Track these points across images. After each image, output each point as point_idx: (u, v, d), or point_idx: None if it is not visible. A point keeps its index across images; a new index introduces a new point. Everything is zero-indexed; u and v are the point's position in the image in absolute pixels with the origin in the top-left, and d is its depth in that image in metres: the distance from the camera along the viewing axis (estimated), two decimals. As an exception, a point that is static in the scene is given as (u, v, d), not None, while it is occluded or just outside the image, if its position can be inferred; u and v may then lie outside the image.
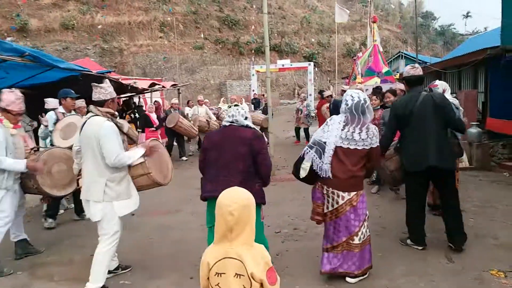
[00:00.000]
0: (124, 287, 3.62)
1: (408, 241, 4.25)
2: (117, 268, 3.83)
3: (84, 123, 3.53)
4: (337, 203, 3.39)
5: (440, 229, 4.45)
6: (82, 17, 30.92)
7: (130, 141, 5.51)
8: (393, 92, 6.37)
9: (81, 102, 7.13)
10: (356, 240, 3.43)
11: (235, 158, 3.27)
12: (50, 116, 5.52)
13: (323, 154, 3.35)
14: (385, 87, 9.05)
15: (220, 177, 3.26)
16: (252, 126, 3.46)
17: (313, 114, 13.76)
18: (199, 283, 1.92)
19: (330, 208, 3.43)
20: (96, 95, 3.58)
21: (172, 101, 11.16)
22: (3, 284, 3.74)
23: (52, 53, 24.48)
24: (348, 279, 3.47)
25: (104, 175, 3.41)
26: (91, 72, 7.86)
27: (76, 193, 5.00)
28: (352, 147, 3.34)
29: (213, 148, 3.39)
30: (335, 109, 9.53)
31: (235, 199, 1.81)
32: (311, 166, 3.40)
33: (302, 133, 12.57)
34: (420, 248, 4.13)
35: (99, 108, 3.53)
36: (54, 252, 4.49)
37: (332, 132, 3.37)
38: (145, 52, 30.83)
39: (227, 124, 3.44)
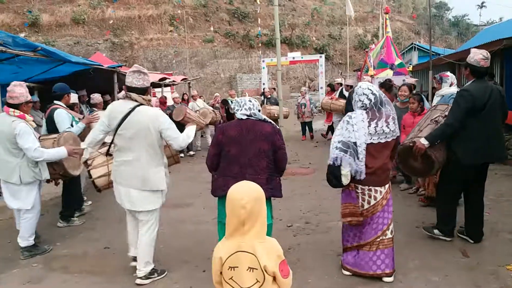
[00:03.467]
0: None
1: (436, 231, 4.15)
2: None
3: (129, 112, 3.35)
4: (375, 199, 3.34)
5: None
6: (93, 11, 31.06)
7: None
8: (409, 86, 6.20)
9: (98, 97, 7.19)
10: (389, 234, 3.40)
11: (259, 155, 3.21)
12: (67, 114, 5.10)
13: (357, 156, 3.22)
14: (398, 80, 8.92)
15: (246, 175, 3.14)
16: (268, 119, 3.38)
17: (316, 108, 13.70)
18: (211, 277, 1.92)
19: (366, 206, 3.35)
20: (140, 81, 3.42)
21: (172, 96, 11.11)
22: (19, 276, 3.80)
23: (63, 48, 24.72)
24: (385, 279, 3.38)
25: (162, 164, 3.51)
26: (102, 66, 7.92)
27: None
28: (383, 140, 3.29)
29: (232, 143, 3.23)
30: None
31: (247, 192, 1.81)
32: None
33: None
34: (449, 239, 4.11)
35: (143, 96, 3.44)
36: (68, 245, 4.55)
37: (360, 131, 3.23)
38: (155, 46, 30.87)
39: (244, 117, 3.26)
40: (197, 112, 11.02)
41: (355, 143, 3.22)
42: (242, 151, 3.20)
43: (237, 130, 3.24)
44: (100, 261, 4.08)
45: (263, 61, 24.29)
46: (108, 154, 3.83)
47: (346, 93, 10.72)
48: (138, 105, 3.39)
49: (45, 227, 4.91)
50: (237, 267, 1.81)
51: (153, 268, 3.60)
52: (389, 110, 3.34)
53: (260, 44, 33.25)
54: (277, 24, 7.75)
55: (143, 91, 3.45)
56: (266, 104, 12.19)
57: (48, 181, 4.68)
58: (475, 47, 10.00)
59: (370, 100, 3.30)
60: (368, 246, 3.40)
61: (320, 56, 24.81)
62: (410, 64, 17.66)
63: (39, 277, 3.78)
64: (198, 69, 30.87)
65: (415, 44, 23.30)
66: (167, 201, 6.11)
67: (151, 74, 13.52)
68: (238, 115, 3.29)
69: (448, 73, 5.26)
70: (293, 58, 24.43)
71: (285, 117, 12.05)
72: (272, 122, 3.45)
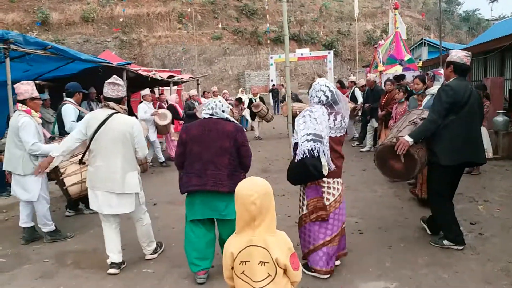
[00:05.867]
0: (146, 275, 3.68)
1: (445, 242, 3.89)
2: (122, 263, 3.82)
3: (106, 119, 3.56)
4: (338, 190, 3.41)
5: (460, 221, 4.37)
6: (102, 9, 31.30)
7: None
8: (421, 78, 6.06)
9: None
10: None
11: (221, 152, 3.30)
12: (74, 109, 5.41)
13: (326, 148, 3.23)
14: (407, 75, 8.84)
15: (208, 171, 3.28)
16: (231, 118, 3.47)
17: None
18: (220, 272, 1.94)
19: (332, 199, 3.36)
20: (115, 92, 3.68)
21: (191, 93, 11.00)
22: (31, 271, 3.86)
23: (73, 46, 24.94)
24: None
25: (135, 168, 3.71)
26: (111, 63, 7.97)
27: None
28: (339, 134, 3.41)
29: (195, 142, 3.33)
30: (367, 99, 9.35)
31: (255, 188, 1.83)
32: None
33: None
34: (461, 248, 3.82)
35: (120, 105, 3.70)
36: (79, 241, 4.61)
37: (323, 124, 3.25)
38: (163, 43, 31.03)
39: (207, 116, 3.41)
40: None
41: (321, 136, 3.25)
42: (204, 149, 3.31)
43: (199, 129, 3.37)
44: (110, 256, 4.13)
45: (271, 57, 24.25)
46: (81, 162, 4.04)
47: (359, 94, 10.53)
48: (115, 113, 3.62)
49: (57, 223, 4.96)
50: (249, 261, 1.83)
51: (156, 244, 4.05)
52: (344, 106, 3.44)
53: (268, 41, 33.21)
54: (285, 21, 7.70)
55: (118, 100, 3.72)
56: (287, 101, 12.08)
57: (50, 179, 4.80)
58: (486, 42, 9.92)
59: (327, 96, 3.37)
60: (335, 239, 3.41)
61: (329, 52, 24.73)
62: (420, 59, 17.50)
63: (50, 272, 3.83)
64: (206, 66, 30.95)
65: (425, 40, 23.08)
66: (176, 198, 6.16)
67: (159, 72, 13.58)
68: (202, 114, 3.46)
69: (442, 70, 4.97)
70: (302, 54, 24.37)
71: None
72: (235, 121, 3.50)
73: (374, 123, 9.09)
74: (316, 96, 3.41)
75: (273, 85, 21.90)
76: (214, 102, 3.46)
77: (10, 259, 4.17)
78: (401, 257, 3.76)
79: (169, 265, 3.86)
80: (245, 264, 1.83)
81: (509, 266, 3.46)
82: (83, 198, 5.55)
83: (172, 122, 9.62)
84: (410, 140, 3.66)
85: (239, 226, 1.85)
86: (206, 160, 3.30)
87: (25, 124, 4.23)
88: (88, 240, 4.64)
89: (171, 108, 9.62)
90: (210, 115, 3.41)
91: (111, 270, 3.69)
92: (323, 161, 3.16)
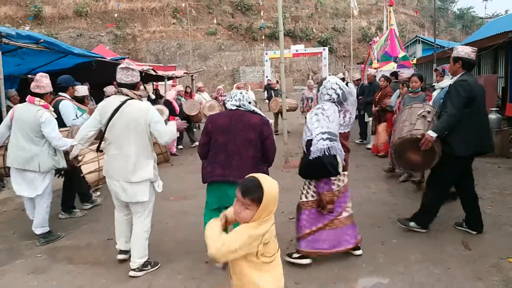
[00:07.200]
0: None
1: (412, 224, 4.23)
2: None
3: (119, 106, 3.41)
4: (343, 182, 3.55)
5: (456, 217, 4.40)
6: (96, 3, 30.95)
7: None
8: (419, 76, 6.13)
9: (111, 89, 7.18)
10: (350, 210, 3.65)
11: (246, 143, 3.32)
12: (73, 106, 5.15)
13: (339, 145, 3.37)
14: (407, 72, 8.85)
15: (233, 162, 3.31)
16: (258, 111, 3.49)
17: None
18: (212, 267, 1.93)
19: (336, 189, 3.51)
20: (129, 78, 3.50)
21: (177, 88, 10.98)
22: (23, 266, 3.84)
23: (66, 40, 24.70)
24: (355, 252, 3.70)
25: (151, 157, 3.56)
26: (105, 58, 7.93)
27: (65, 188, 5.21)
28: (347, 130, 3.57)
29: (220, 132, 3.34)
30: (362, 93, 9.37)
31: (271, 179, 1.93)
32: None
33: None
34: (424, 231, 4.19)
35: (134, 91, 3.53)
36: (72, 237, 4.58)
37: (335, 122, 3.38)
38: (158, 38, 30.78)
39: (233, 108, 3.40)
40: (202, 104, 11.00)
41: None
42: (229, 140, 3.31)
43: (226, 120, 3.37)
44: (104, 252, 4.11)
45: (266, 53, 24.18)
46: (98, 150, 3.90)
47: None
48: (129, 99, 3.47)
49: (49, 219, 4.93)
50: (269, 241, 1.91)
51: (146, 260, 3.63)
52: (351, 103, 3.58)
53: (263, 37, 33.10)
54: (280, 17, 7.68)
55: (132, 86, 3.54)
56: (275, 96, 12.15)
57: (56, 174, 4.73)
58: (480, 40, 9.96)
59: (338, 95, 3.50)
60: (331, 224, 3.55)
61: (324, 49, 24.73)
62: (414, 57, 17.56)
63: (43, 267, 3.81)
64: (201, 61, 30.80)
65: (419, 37, 23.13)
66: (171, 193, 6.14)
67: (153, 67, 13.51)
68: (228, 105, 3.44)
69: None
70: (297, 50, 24.35)
71: (293, 109, 11.99)
72: (261, 113, 3.52)
73: (365, 117, 9.16)
74: (327, 94, 3.52)
75: (269, 80, 21.90)
76: (241, 93, 3.45)
77: (2, 254, 4.14)
78: (393, 253, 3.79)
79: (162, 259, 3.84)
80: (266, 245, 1.89)
81: (500, 262, 3.50)
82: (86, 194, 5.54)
83: (168, 119, 9.58)
84: (434, 135, 3.82)
85: (262, 218, 1.88)
86: (231, 151, 3.31)
87: (48, 120, 4.11)
88: (81, 235, 4.61)
89: (167, 103, 9.59)
90: (237, 106, 3.39)
91: (120, 256, 3.73)
92: (339, 159, 3.34)
